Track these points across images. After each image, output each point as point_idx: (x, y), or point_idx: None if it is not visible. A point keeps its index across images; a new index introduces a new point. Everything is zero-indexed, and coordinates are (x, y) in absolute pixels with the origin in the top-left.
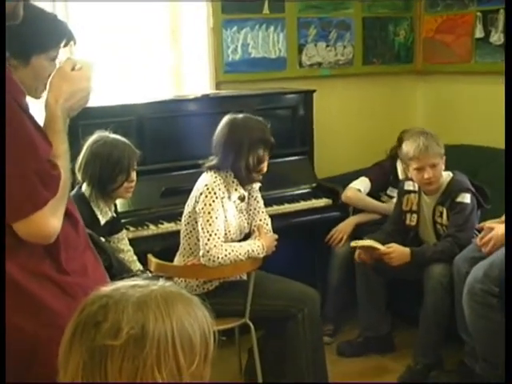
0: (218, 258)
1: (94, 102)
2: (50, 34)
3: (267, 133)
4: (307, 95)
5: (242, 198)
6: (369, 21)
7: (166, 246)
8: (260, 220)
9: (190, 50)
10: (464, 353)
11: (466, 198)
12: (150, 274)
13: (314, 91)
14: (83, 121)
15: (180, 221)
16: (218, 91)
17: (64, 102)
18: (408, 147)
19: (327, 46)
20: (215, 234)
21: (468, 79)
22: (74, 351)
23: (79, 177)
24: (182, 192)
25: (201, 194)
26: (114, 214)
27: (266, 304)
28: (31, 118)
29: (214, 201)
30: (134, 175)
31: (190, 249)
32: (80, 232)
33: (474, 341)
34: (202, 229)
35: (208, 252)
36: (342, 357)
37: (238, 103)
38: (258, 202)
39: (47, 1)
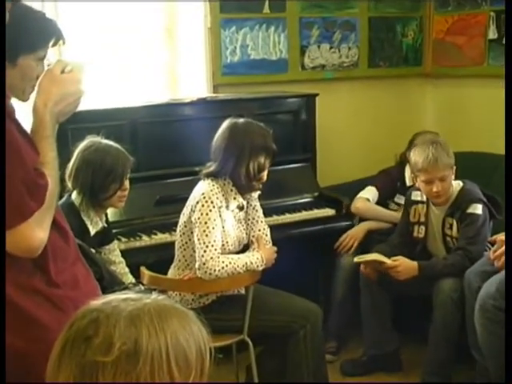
0: (215, 270)
1: (84, 105)
2: (38, 32)
3: (270, 140)
4: (309, 99)
5: (240, 208)
6: (375, 21)
7: (160, 258)
8: (259, 230)
9: (187, 50)
10: (475, 372)
11: (478, 208)
12: (142, 288)
13: (317, 95)
14: (73, 125)
15: (175, 231)
16: (215, 94)
17: (53, 105)
18: (416, 157)
19: (331, 47)
20: (212, 246)
21: (480, 83)
22: (63, 367)
23: (69, 185)
24: (177, 201)
25: (197, 202)
26: (105, 224)
27: (266, 319)
28: (17, 122)
29: (210, 210)
30: (127, 183)
31: (186, 261)
32: (70, 243)
33: (486, 360)
34: (198, 240)
35: (204, 264)
36: (346, 376)
37: (236, 107)
38: (256, 211)
39: (36, 0)
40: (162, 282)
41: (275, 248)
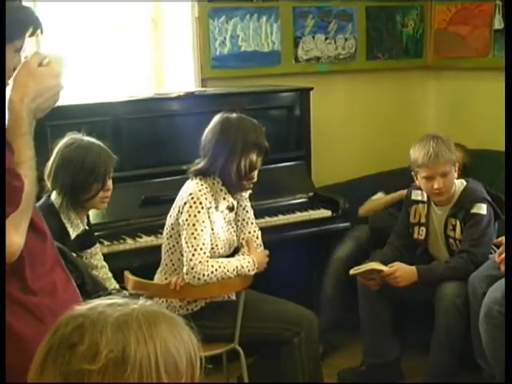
0: (204, 275)
1: (64, 99)
2: (14, 22)
3: (263, 137)
4: (304, 93)
5: (230, 208)
6: (373, 10)
7: (146, 262)
8: (249, 232)
9: (173, 42)
10: (481, 381)
11: (482, 208)
12: (127, 294)
13: (312, 89)
14: (52, 121)
15: (161, 234)
16: (203, 89)
17: (30, 101)
18: (416, 153)
19: (326, 38)
20: (201, 249)
21: (485, 76)
22: (46, 376)
23: (48, 185)
24: (164, 201)
25: (184, 203)
26: (87, 227)
27: (258, 327)
28: None
29: (199, 212)
30: (110, 183)
31: (173, 265)
32: (48, 246)
33: (492, 368)
34: (186, 243)
35: (192, 269)
36: None
37: (226, 102)
38: (247, 211)
39: None
40: (147, 288)
41: (267, 251)
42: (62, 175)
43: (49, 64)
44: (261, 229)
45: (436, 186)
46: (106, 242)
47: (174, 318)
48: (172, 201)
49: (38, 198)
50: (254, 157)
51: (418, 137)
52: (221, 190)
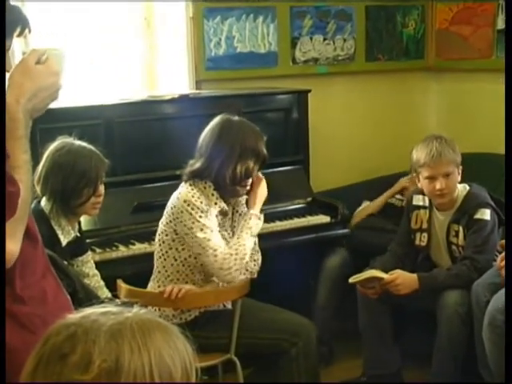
0: (232, 268)
1: (54, 102)
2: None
3: (262, 144)
4: (301, 96)
5: (224, 213)
6: (373, 10)
7: (139, 270)
8: None
9: (167, 43)
10: None
11: (486, 214)
12: (119, 302)
13: (310, 91)
14: (42, 125)
15: (154, 241)
16: (198, 91)
17: (26, 102)
18: (419, 153)
19: (325, 39)
20: (219, 246)
21: (488, 77)
22: None
23: (38, 190)
24: (157, 207)
25: (181, 212)
26: (78, 234)
27: (255, 337)
28: None
29: (200, 216)
30: (101, 189)
31: (166, 271)
32: (39, 253)
33: (497, 378)
34: (203, 248)
35: (221, 270)
36: None
37: (221, 105)
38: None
39: None
40: (140, 296)
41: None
42: (52, 180)
43: (47, 61)
44: (258, 235)
45: (438, 186)
46: (97, 250)
47: (168, 327)
48: (165, 206)
49: None
50: (251, 163)
51: (419, 140)
52: (212, 195)
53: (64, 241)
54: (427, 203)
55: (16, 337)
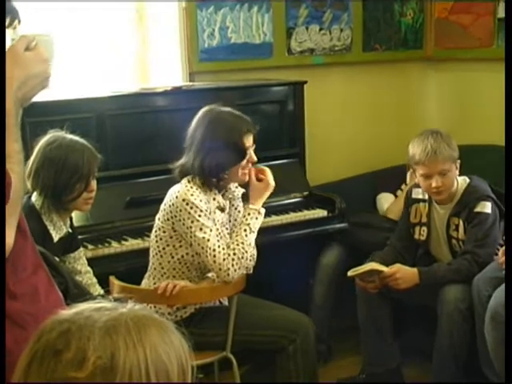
0: (231, 268)
1: (44, 95)
2: None
3: (244, 134)
4: (297, 87)
5: (221, 209)
6: None
7: (132, 267)
8: None
9: (159, 34)
10: None
11: (487, 207)
12: (112, 300)
13: (306, 83)
14: (33, 118)
15: (148, 237)
16: (191, 83)
17: (16, 90)
18: (414, 149)
19: (321, 29)
20: (218, 247)
21: (489, 67)
22: None
23: (29, 185)
24: (151, 202)
25: (180, 210)
26: (70, 230)
27: (251, 334)
28: None
29: (199, 215)
30: (94, 184)
31: (162, 269)
32: (29, 248)
33: (500, 376)
34: (202, 248)
35: (220, 270)
36: None
37: (215, 97)
38: (239, 212)
39: None
40: (134, 293)
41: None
42: (43, 175)
43: (36, 48)
44: None
45: (434, 184)
46: (90, 246)
47: (164, 323)
48: (159, 201)
49: None
50: (229, 155)
51: (419, 132)
52: (210, 190)
53: (55, 237)
54: (427, 196)
55: (7, 334)
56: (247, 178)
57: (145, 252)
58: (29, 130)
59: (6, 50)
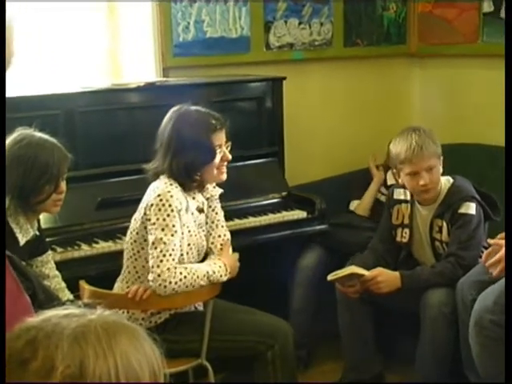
0: (171, 282)
1: (12, 91)
2: None
3: (213, 132)
4: (276, 84)
5: (200, 210)
6: None
7: (103, 270)
8: (219, 236)
9: (131, 27)
10: None
11: (471, 208)
12: (82, 305)
13: (284, 79)
14: None
15: (120, 239)
16: (165, 79)
17: None
18: (398, 148)
19: (300, 23)
20: (170, 255)
21: (474, 63)
22: None
23: None
24: (123, 203)
25: (151, 205)
26: (37, 232)
27: (227, 340)
28: None
29: (168, 215)
30: (63, 185)
31: (137, 272)
32: None
33: (485, 382)
34: (155, 248)
35: (159, 276)
36: None
37: (190, 94)
38: (216, 213)
39: None
40: (105, 298)
41: (237, 255)
42: (10, 175)
43: None
44: (230, 232)
45: (422, 182)
46: (58, 249)
47: (135, 329)
48: (131, 202)
49: None
50: (198, 155)
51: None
52: (189, 189)
53: (22, 240)
54: (409, 197)
55: None
56: (224, 177)
57: (116, 255)
58: None
59: None
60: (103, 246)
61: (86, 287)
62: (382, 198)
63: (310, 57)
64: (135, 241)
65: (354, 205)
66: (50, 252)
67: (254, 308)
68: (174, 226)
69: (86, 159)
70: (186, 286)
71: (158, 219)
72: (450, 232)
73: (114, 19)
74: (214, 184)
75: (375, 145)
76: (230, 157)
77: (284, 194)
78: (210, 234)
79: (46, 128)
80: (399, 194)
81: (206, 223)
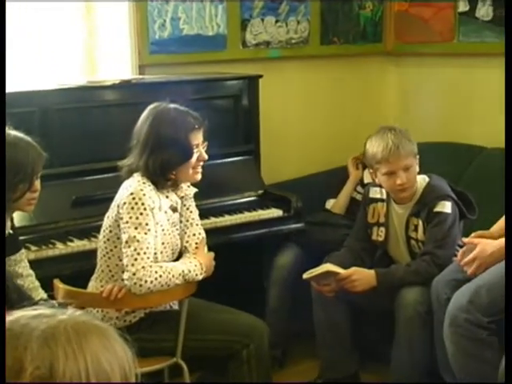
0: (147, 281)
1: None
2: None
3: (190, 132)
4: (252, 82)
5: (174, 209)
6: None
7: (78, 269)
8: (193, 235)
9: (107, 24)
10: None
11: (446, 206)
12: (56, 304)
13: (261, 77)
14: None
15: (94, 237)
16: (141, 76)
17: None
18: (374, 148)
19: (277, 21)
20: (144, 253)
21: (450, 62)
22: None
23: None
24: (97, 201)
25: (124, 203)
26: (10, 231)
27: (202, 339)
28: None
29: (141, 213)
30: (38, 184)
31: (110, 271)
32: None
33: (460, 382)
34: (129, 246)
35: (134, 275)
36: None
37: (166, 91)
38: (191, 212)
39: None
40: (80, 297)
41: (212, 254)
42: None
43: None
44: (205, 230)
45: (399, 181)
46: (32, 247)
47: (105, 330)
48: (106, 200)
49: None
50: (173, 153)
51: (378, 130)
52: (163, 188)
53: None
54: (385, 196)
55: None
56: (199, 177)
57: (91, 253)
58: None
59: None
60: (78, 245)
61: (60, 286)
62: (358, 197)
63: (286, 55)
64: (108, 239)
65: (330, 203)
66: (23, 251)
67: (229, 307)
68: (147, 224)
69: (60, 157)
70: (162, 285)
71: (131, 217)
72: (426, 230)
73: (90, 15)
74: (189, 183)
75: (352, 143)
76: (206, 157)
77: (260, 192)
78: (185, 233)
79: (20, 126)
80: (375, 193)
81: (181, 222)
